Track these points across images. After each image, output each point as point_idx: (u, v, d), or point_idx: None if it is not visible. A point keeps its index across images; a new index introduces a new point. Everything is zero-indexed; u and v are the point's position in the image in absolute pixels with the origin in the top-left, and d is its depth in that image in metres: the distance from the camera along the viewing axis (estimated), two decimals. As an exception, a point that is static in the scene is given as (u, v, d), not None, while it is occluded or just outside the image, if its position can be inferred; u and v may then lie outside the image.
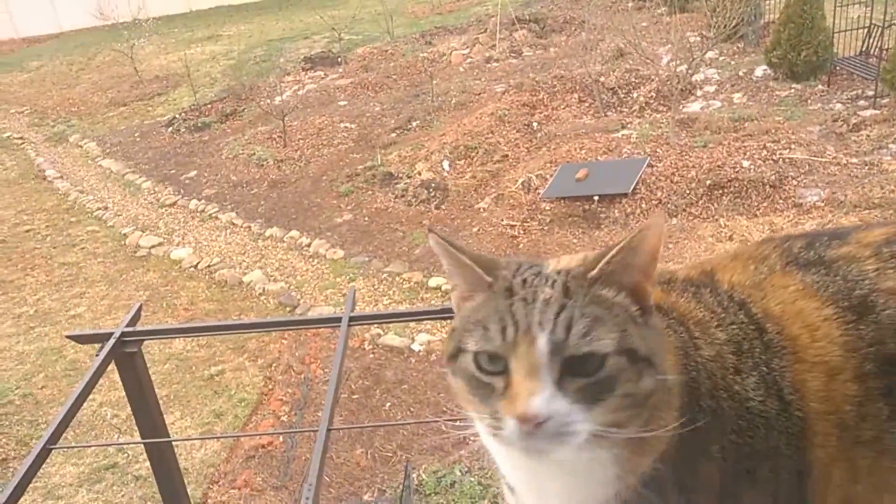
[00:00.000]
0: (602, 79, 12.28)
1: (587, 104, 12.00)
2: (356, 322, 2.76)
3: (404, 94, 14.52)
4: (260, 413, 7.01)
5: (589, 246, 8.50)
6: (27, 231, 11.38)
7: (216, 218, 11.06)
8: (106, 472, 6.37)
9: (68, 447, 5.71)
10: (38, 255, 10.57)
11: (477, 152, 10.87)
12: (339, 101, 15.09)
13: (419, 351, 7.53)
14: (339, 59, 17.64)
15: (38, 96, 19.41)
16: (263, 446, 6.54)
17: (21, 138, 16.17)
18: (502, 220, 9.50)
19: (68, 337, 3.27)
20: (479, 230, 9.49)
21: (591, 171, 9.42)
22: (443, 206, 10.19)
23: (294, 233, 10.23)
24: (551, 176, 9.74)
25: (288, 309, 8.63)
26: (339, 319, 2.67)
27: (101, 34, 24.85)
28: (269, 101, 14.27)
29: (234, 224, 10.80)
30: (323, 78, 16.81)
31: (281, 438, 6.66)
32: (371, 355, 7.61)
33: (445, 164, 10.89)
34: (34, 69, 22.99)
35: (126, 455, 6.49)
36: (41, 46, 26.90)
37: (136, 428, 3.03)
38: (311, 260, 9.60)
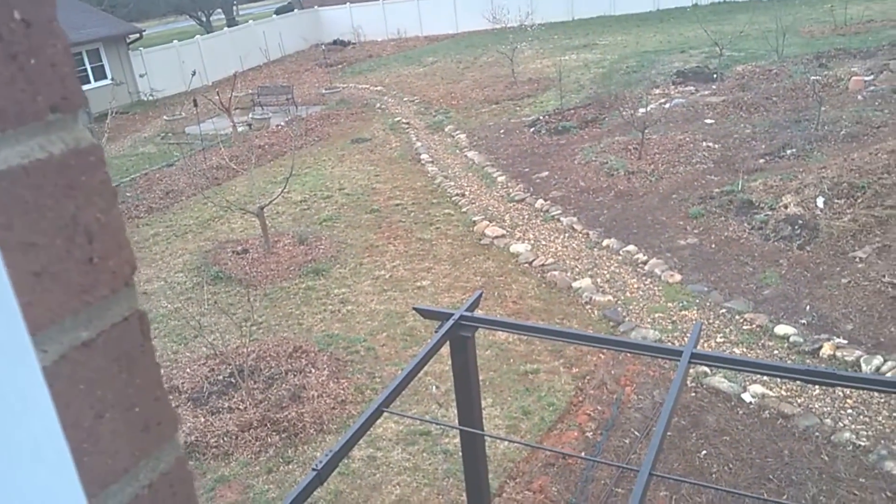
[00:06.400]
0: None
1: None
2: (698, 360, 2.42)
3: (783, 119, 13.15)
4: (566, 422, 6.86)
5: None
6: (397, 205, 12.78)
7: (558, 220, 11.20)
8: (420, 437, 6.80)
9: (398, 414, 6.23)
10: (402, 227, 11.79)
11: (864, 193, 9.29)
12: (707, 118, 14.24)
13: (750, 403, 6.68)
14: (715, 76, 16.68)
15: (427, 88, 21.85)
16: (564, 458, 6.40)
17: (408, 123, 18.34)
18: (884, 275, 7.97)
19: (415, 309, 3.52)
20: (849, 282, 8.10)
21: None
22: (807, 248, 8.93)
23: (631, 247, 9.88)
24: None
25: (611, 324, 8.34)
26: (679, 353, 2.39)
27: (491, 36, 27.14)
28: (632, 111, 14.06)
29: (573, 229, 10.83)
30: (693, 93, 16.07)
31: (583, 454, 6.44)
32: (693, 393, 6.98)
33: (820, 200, 9.52)
34: (429, 64, 25.99)
35: (439, 427, 6.83)
36: (439, 44, 30.29)
37: (453, 403, 3.14)
38: (644, 278, 9.17)
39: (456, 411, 3.34)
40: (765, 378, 6.82)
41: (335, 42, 34.25)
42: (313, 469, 2.30)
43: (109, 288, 0.57)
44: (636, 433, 6.61)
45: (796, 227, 9.24)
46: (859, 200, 9.20)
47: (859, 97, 13.34)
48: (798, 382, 6.68)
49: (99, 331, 0.56)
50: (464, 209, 12.15)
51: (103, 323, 0.57)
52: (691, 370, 7.20)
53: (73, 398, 0.54)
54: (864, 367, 6.78)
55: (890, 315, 7.38)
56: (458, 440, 4.55)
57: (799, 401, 6.63)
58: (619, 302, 8.72)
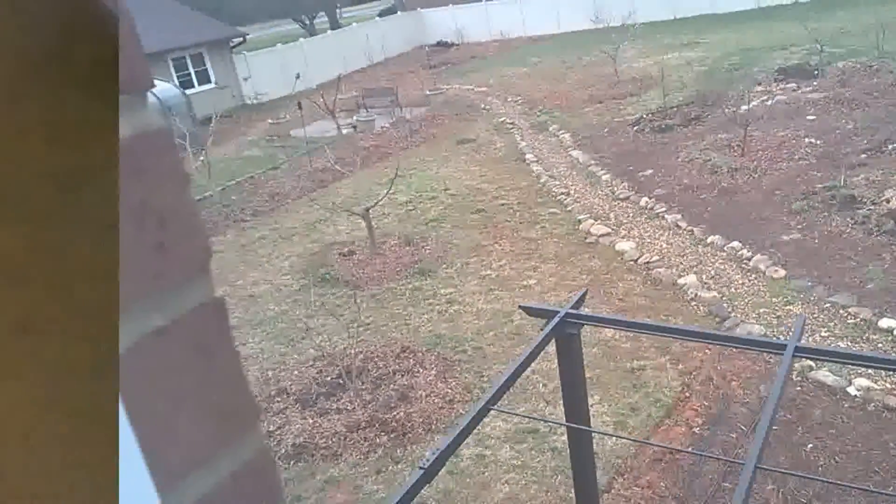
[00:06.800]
0: None
1: None
2: (803, 354, 2.53)
3: (884, 114, 12.95)
4: (673, 418, 6.98)
5: None
6: (502, 205, 13.20)
7: (662, 217, 11.47)
8: (528, 435, 6.93)
9: (505, 411, 6.15)
10: (508, 227, 12.20)
11: (976, 190, 9.20)
12: (808, 115, 14.13)
13: (855, 396, 6.86)
14: (816, 72, 16.42)
15: (531, 88, 22.22)
16: (672, 453, 6.46)
17: (512, 124, 18.77)
18: None
19: (521, 307, 3.54)
20: (956, 278, 8.12)
21: None
22: (911, 242, 8.95)
23: (735, 244, 10.07)
24: None
25: (717, 320, 8.54)
26: (783, 347, 2.49)
27: (593, 36, 27.16)
28: (734, 109, 14.11)
29: (677, 226, 11.08)
30: (795, 90, 15.92)
31: (690, 449, 6.46)
32: (798, 387, 7.11)
33: (927, 196, 9.49)
34: (533, 64, 26.34)
35: (547, 425, 6.92)
36: (542, 45, 30.54)
37: (560, 401, 3.23)
38: (748, 274, 9.36)
39: (563, 408, 3.31)
40: (869, 371, 6.95)
41: (438, 43, 34.75)
42: (420, 467, 2.32)
43: (183, 274, 0.55)
44: (742, 428, 6.71)
45: (901, 222, 9.25)
46: (971, 197, 9.12)
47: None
48: (903, 376, 6.75)
49: (173, 318, 0.55)
50: (569, 208, 12.51)
51: (178, 310, 0.55)
52: (796, 364, 7.32)
53: (147, 387, 0.52)
54: (969, 362, 6.84)
55: None
56: (565, 437, 4.52)
57: (904, 394, 6.75)
58: (724, 298, 8.92)
